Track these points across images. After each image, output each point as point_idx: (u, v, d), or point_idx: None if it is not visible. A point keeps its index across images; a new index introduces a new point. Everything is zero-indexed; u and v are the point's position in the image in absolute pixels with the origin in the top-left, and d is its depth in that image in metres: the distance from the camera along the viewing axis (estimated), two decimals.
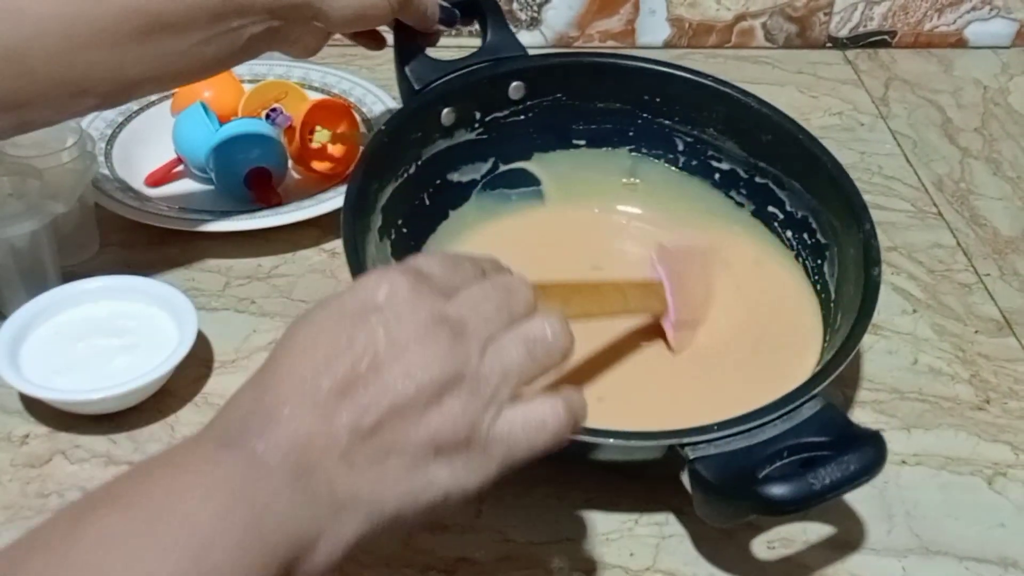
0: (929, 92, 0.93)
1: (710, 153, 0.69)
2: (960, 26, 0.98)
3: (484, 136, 0.68)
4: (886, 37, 0.99)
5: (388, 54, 0.94)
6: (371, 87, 0.83)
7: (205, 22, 0.55)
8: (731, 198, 0.69)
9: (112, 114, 0.78)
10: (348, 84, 0.84)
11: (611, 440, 0.50)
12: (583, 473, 0.57)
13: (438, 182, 0.68)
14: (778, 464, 0.49)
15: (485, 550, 0.53)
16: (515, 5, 0.95)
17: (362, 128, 0.78)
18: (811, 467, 0.47)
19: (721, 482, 0.48)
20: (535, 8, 0.95)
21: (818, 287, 0.63)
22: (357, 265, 0.56)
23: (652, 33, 0.97)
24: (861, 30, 0.98)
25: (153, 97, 0.80)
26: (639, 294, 0.61)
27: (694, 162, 0.70)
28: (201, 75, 0.62)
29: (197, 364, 0.62)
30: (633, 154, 0.71)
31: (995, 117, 0.90)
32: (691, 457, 0.49)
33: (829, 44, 0.99)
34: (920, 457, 0.59)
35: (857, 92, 0.92)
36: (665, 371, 0.62)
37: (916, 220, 0.77)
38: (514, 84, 0.68)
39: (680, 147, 0.70)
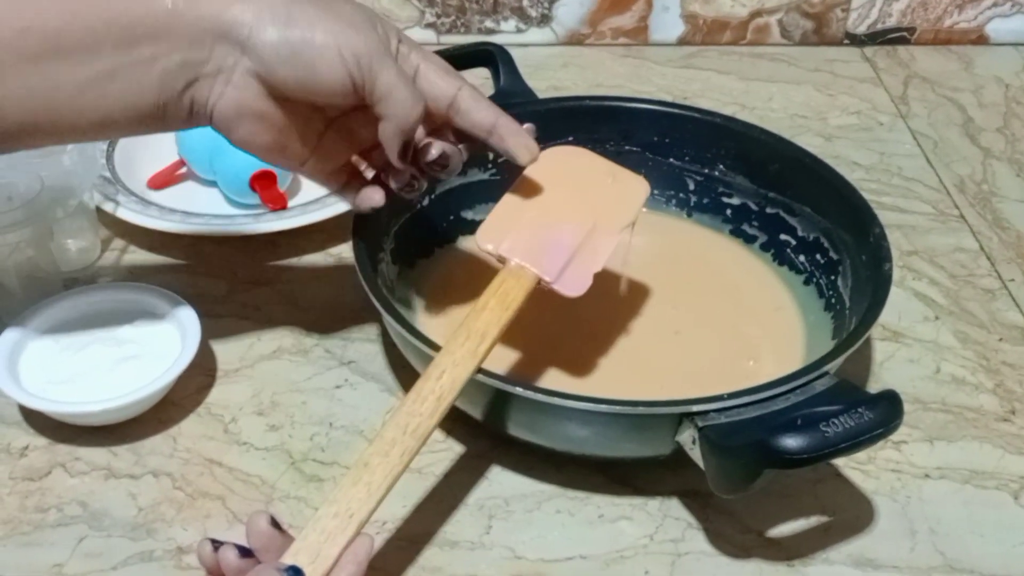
0: (949, 90, 0.91)
1: (720, 190, 0.69)
2: (981, 23, 0.96)
3: (497, 177, 0.69)
4: (905, 34, 0.97)
5: None
6: None
7: (111, 47, 0.45)
8: (744, 232, 0.69)
9: None
10: None
11: (617, 408, 0.50)
12: (594, 487, 0.55)
13: (452, 218, 0.68)
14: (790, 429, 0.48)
15: (495, 568, 0.51)
16: (525, 2, 0.93)
17: None
18: (825, 420, 0.46)
19: (733, 443, 0.48)
20: (546, 4, 0.93)
21: (832, 300, 0.62)
22: (372, 287, 0.56)
23: (665, 30, 0.95)
24: (879, 27, 0.96)
25: None
26: (498, 300, 0.52)
27: (705, 200, 0.70)
28: (100, 129, 0.49)
29: (200, 373, 0.61)
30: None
31: (1017, 116, 0.87)
32: (701, 425, 0.49)
33: (846, 41, 0.97)
34: (943, 470, 0.57)
35: (876, 90, 0.90)
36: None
37: (937, 223, 0.75)
38: (525, 126, 0.68)
39: (691, 187, 0.70)
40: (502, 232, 0.56)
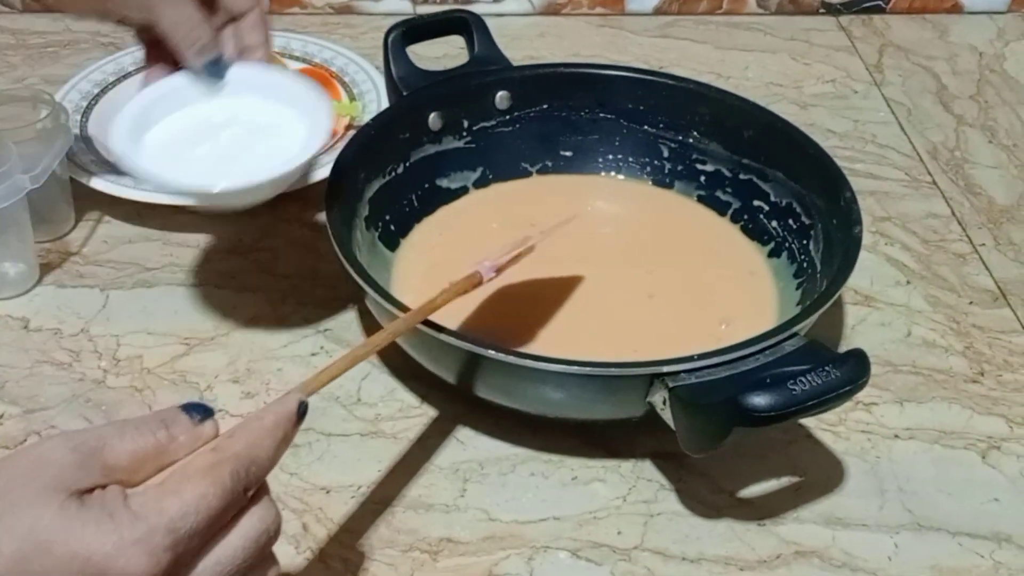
0: (924, 59, 0.91)
1: (695, 157, 0.70)
2: None
3: (472, 145, 0.69)
4: (880, 3, 0.97)
5: (373, 22, 0.93)
6: (354, 56, 0.81)
7: None
8: (717, 199, 0.69)
9: (88, 86, 0.77)
10: (330, 53, 0.82)
11: (588, 369, 0.50)
12: (569, 450, 0.56)
13: (426, 186, 0.68)
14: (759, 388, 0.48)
15: (469, 529, 0.52)
16: None
17: (344, 98, 0.77)
18: (793, 378, 0.47)
19: (702, 402, 0.48)
20: None
21: (804, 264, 0.63)
22: (345, 251, 0.56)
23: None
24: None
25: (130, 68, 0.79)
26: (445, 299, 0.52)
27: (680, 167, 0.70)
28: None
29: (175, 341, 0.61)
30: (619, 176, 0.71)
31: (991, 84, 0.88)
32: (672, 386, 0.49)
33: (822, 10, 0.97)
34: (913, 431, 0.58)
35: (851, 59, 0.91)
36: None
37: (910, 189, 0.76)
38: (500, 94, 0.69)
39: (665, 153, 0.70)
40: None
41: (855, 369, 0.48)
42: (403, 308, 0.53)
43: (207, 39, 0.57)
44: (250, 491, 0.37)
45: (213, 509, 0.35)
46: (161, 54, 0.58)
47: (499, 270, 0.54)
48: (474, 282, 0.53)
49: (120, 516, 0.33)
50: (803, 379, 0.46)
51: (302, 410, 0.39)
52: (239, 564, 0.36)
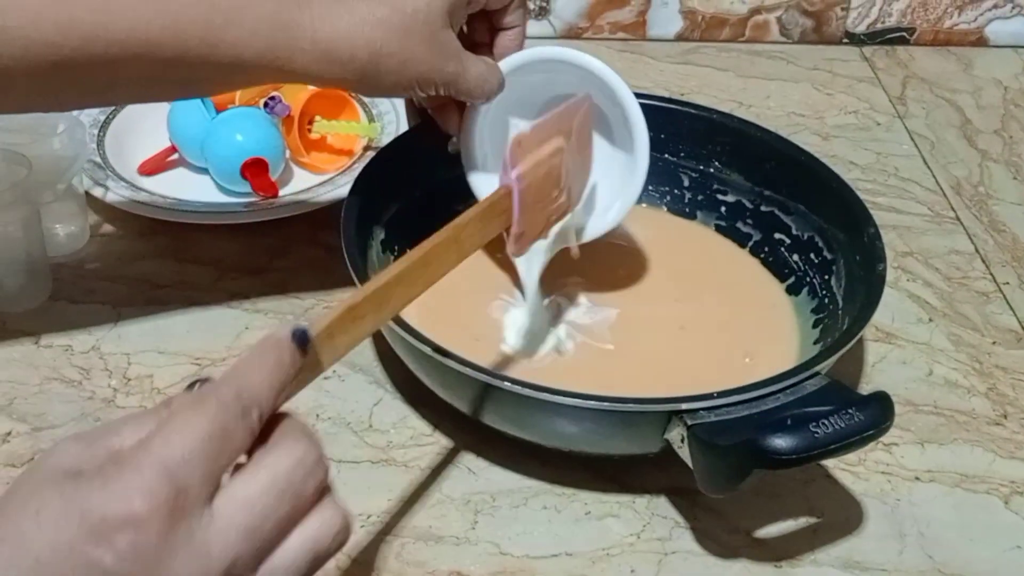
0: (948, 92, 0.90)
1: (715, 187, 0.69)
2: (980, 24, 0.96)
3: None
4: (904, 34, 0.96)
5: None
6: None
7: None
8: (738, 230, 0.68)
9: None
10: None
11: (605, 404, 0.49)
12: (582, 484, 0.55)
13: (445, 211, 0.67)
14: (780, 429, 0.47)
15: (480, 564, 0.51)
16: None
17: (362, 119, 0.76)
18: (815, 420, 0.46)
19: (721, 442, 0.47)
20: None
21: (826, 300, 0.62)
22: (360, 274, 0.56)
23: (664, 25, 0.95)
24: (879, 26, 0.96)
25: None
26: (478, 229, 0.53)
27: (700, 197, 0.69)
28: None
29: (186, 361, 0.60)
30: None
31: (1015, 119, 0.87)
32: (690, 424, 0.48)
33: (846, 40, 0.96)
34: (934, 474, 0.57)
35: (874, 90, 0.90)
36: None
37: (933, 224, 0.75)
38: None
39: (686, 183, 0.70)
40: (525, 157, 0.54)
41: (878, 413, 0.47)
42: (416, 334, 0.52)
43: (499, 79, 0.57)
44: (252, 414, 0.34)
45: (202, 433, 0.33)
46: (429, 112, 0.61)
47: (522, 176, 0.53)
48: (506, 202, 0.53)
49: (107, 468, 0.33)
50: (825, 421, 0.45)
51: (299, 336, 0.36)
52: (301, 573, 0.35)
